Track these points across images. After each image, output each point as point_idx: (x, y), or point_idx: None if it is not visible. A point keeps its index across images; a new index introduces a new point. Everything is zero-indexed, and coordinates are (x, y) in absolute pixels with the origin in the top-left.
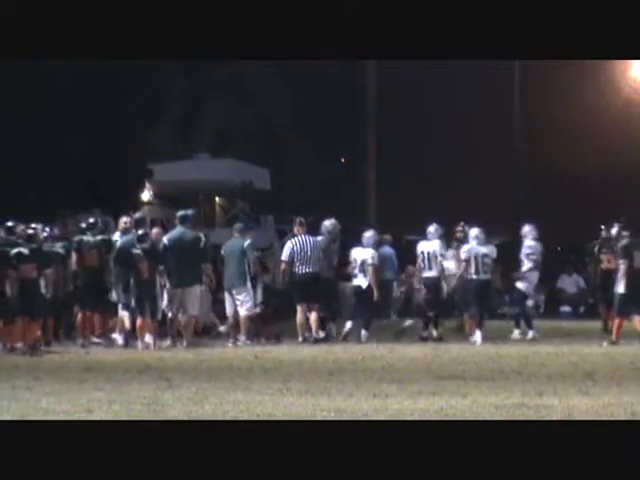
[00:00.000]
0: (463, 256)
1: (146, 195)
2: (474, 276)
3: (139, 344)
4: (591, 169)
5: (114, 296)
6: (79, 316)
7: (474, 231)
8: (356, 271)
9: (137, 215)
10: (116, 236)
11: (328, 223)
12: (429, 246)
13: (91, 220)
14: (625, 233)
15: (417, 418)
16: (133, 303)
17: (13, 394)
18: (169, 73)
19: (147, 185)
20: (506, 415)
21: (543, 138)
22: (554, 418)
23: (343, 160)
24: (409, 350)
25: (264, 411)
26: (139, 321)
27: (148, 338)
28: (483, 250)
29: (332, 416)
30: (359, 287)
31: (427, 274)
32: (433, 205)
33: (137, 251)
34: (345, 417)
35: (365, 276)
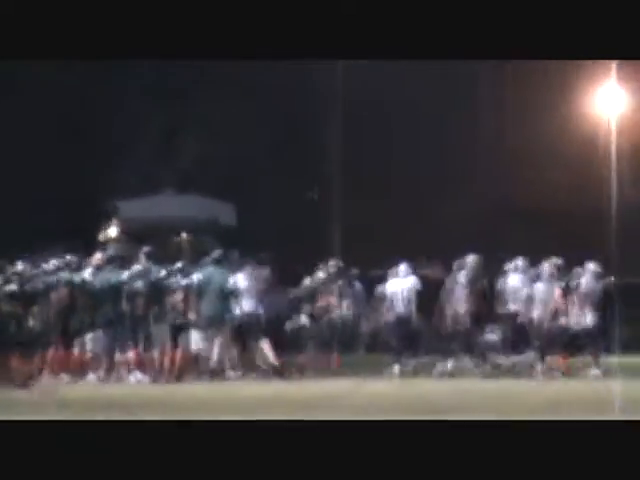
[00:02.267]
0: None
1: (113, 231)
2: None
3: (133, 378)
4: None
5: (87, 337)
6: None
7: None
8: None
9: (110, 252)
10: (87, 273)
11: (470, 259)
12: (514, 280)
13: (68, 257)
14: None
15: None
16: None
17: None
18: (139, 106)
19: (113, 221)
20: None
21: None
22: None
23: (315, 197)
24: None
25: None
26: (136, 354)
27: (143, 373)
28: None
29: None
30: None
31: (512, 307)
32: (402, 238)
33: (138, 285)
34: None
35: None
